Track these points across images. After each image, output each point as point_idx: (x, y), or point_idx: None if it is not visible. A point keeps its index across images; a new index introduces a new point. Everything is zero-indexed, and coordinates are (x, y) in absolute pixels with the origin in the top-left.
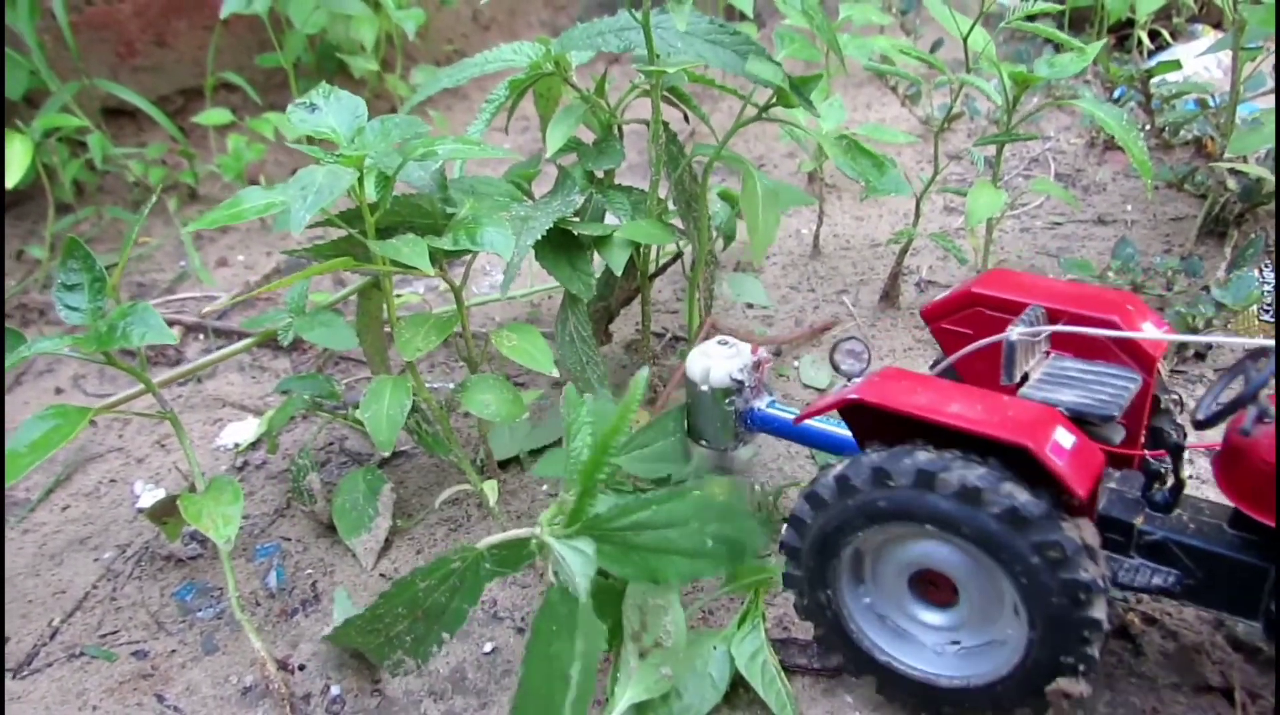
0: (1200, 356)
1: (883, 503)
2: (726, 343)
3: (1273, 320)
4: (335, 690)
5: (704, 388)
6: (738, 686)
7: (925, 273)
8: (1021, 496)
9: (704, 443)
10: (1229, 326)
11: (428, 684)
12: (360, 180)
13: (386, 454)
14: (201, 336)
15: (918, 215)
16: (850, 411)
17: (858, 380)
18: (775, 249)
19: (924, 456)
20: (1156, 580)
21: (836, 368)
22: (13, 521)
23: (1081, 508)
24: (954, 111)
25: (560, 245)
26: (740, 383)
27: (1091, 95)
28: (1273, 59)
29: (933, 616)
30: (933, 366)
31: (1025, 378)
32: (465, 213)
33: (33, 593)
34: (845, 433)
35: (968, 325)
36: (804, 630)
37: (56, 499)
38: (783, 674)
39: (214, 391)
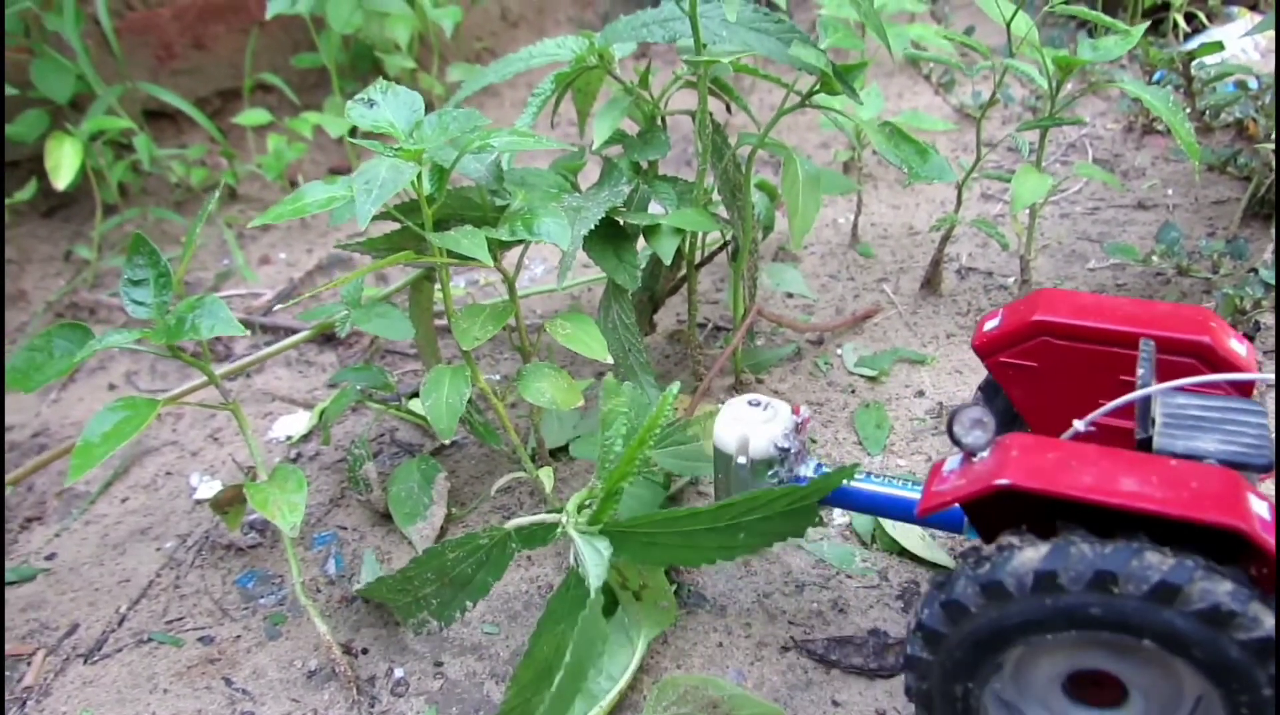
0: (1248, 337)
1: (1051, 611)
2: (759, 403)
3: None
4: (399, 673)
5: (741, 461)
6: None
7: (965, 259)
8: (1223, 589)
9: None
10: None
11: (489, 666)
12: (419, 174)
13: (448, 441)
14: (249, 332)
15: (959, 202)
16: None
17: (984, 455)
18: (813, 238)
19: (1097, 551)
20: None
21: (957, 441)
22: (74, 514)
23: (1264, 579)
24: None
25: (607, 235)
26: (785, 451)
27: (1130, 80)
28: None
29: None
30: (984, 407)
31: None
32: (519, 204)
33: (98, 581)
34: (918, 497)
35: (1034, 358)
36: (858, 626)
37: (115, 491)
38: None
39: (263, 386)
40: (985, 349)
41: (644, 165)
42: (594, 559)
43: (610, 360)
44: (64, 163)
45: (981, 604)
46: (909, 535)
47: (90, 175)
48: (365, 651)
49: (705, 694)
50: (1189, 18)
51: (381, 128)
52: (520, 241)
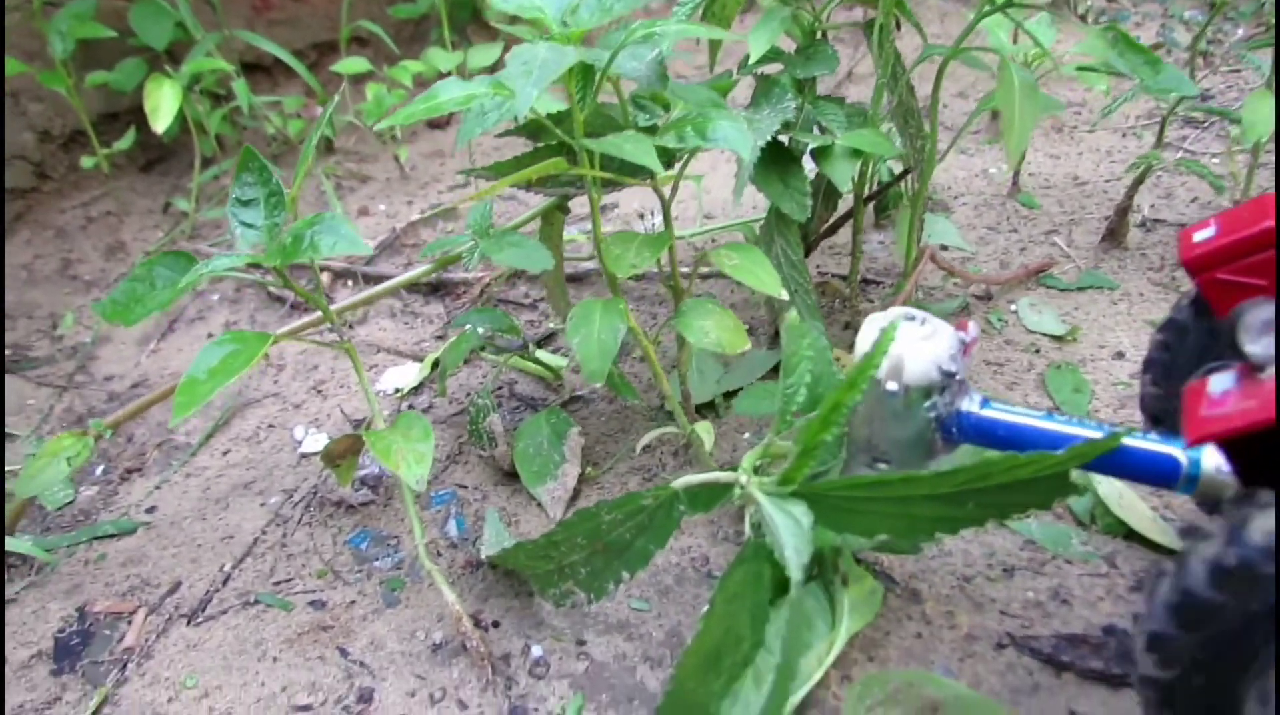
0: None
1: None
2: (915, 318)
3: None
4: (537, 651)
5: (893, 386)
6: None
7: (1148, 211)
8: None
9: (879, 464)
10: None
11: (641, 648)
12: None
13: (599, 383)
14: (350, 282)
15: (1160, 138)
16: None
17: (1272, 371)
18: (964, 188)
19: None
20: None
21: (1242, 351)
22: (175, 465)
23: None
24: (1152, 43)
25: (772, 159)
26: (950, 375)
27: None
28: None
29: None
30: (1164, 329)
31: None
32: (682, 111)
33: (201, 537)
34: (1139, 445)
35: (1260, 274)
36: (1088, 622)
37: (216, 444)
38: None
39: (367, 337)
40: (1197, 264)
41: (803, 85)
42: (790, 530)
43: (785, 296)
44: (163, 105)
45: None
46: (1137, 514)
47: (190, 126)
48: (496, 625)
49: (922, 693)
50: None
51: (529, 13)
52: (693, 150)
